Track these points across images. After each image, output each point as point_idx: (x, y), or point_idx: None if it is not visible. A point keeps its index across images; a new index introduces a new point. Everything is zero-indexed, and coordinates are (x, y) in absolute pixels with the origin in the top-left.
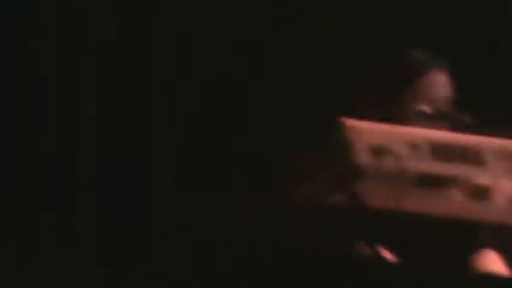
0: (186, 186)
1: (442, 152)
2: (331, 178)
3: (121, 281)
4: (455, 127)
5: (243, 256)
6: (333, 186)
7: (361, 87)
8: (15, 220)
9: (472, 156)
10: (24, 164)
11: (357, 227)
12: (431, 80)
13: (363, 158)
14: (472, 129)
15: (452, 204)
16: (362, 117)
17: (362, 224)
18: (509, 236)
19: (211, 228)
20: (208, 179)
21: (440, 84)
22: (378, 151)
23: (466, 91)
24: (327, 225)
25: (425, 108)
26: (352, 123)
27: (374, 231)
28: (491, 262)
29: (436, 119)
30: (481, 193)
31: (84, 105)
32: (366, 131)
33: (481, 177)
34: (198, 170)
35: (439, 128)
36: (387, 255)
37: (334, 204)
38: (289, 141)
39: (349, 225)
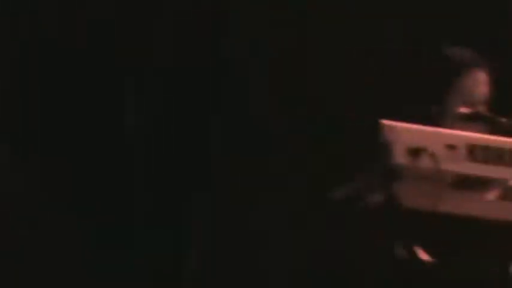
0: None
1: (478, 153)
2: (370, 178)
3: None
4: (493, 129)
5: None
6: (371, 186)
7: (401, 87)
8: None
9: (508, 158)
10: None
11: (395, 227)
12: (472, 79)
13: (401, 158)
14: (509, 131)
15: (488, 205)
16: (401, 118)
17: (399, 224)
18: None
19: None
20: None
21: (480, 83)
22: (416, 152)
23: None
24: (365, 225)
25: (465, 109)
26: (390, 124)
27: (412, 232)
28: None
29: (474, 121)
30: None
31: None
32: (404, 132)
33: None
34: None
35: (477, 130)
36: (424, 255)
37: (373, 204)
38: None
39: (387, 225)
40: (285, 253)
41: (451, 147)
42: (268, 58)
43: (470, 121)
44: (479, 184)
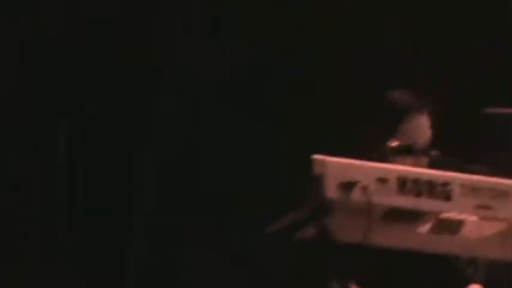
0: None
1: (410, 186)
2: (303, 212)
3: None
4: (429, 163)
5: None
6: (305, 219)
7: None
8: None
9: (439, 191)
10: None
11: (328, 260)
12: (415, 123)
13: (333, 193)
14: (442, 164)
15: (420, 237)
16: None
17: (333, 257)
18: (494, 271)
19: None
20: None
21: (423, 127)
22: (348, 186)
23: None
24: (299, 258)
25: (396, 142)
26: (321, 158)
27: (345, 265)
28: None
29: (405, 154)
30: (448, 227)
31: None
32: (335, 166)
33: (449, 212)
34: None
35: (408, 163)
36: None
37: (306, 237)
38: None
39: (320, 258)
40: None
41: (383, 180)
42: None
43: (401, 154)
44: (411, 217)
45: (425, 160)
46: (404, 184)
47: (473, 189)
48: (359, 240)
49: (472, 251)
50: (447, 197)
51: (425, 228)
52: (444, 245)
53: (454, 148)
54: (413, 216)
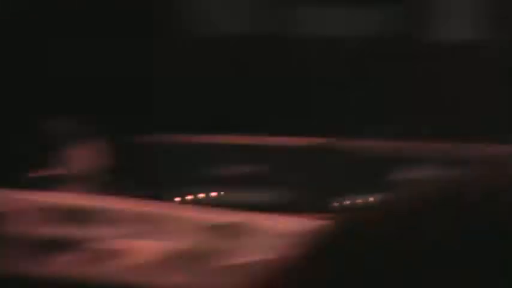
0: None
1: (70, 215)
2: None
3: None
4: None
5: None
6: None
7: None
8: None
9: (102, 218)
10: None
11: None
12: (76, 150)
13: None
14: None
15: (75, 266)
16: None
17: None
18: None
19: None
20: None
21: (84, 154)
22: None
23: None
24: None
25: (67, 172)
26: None
27: None
28: None
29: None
30: (106, 254)
31: None
32: None
33: (109, 239)
34: None
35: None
36: None
37: None
38: None
39: None
40: None
41: (41, 210)
42: None
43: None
44: (66, 245)
45: (89, 185)
46: (65, 213)
47: (121, 218)
48: (17, 272)
49: (137, 278)
50: (110, 224)
51: (80, 256)
52: (99, 272)
53: None
54: (68, 245)
